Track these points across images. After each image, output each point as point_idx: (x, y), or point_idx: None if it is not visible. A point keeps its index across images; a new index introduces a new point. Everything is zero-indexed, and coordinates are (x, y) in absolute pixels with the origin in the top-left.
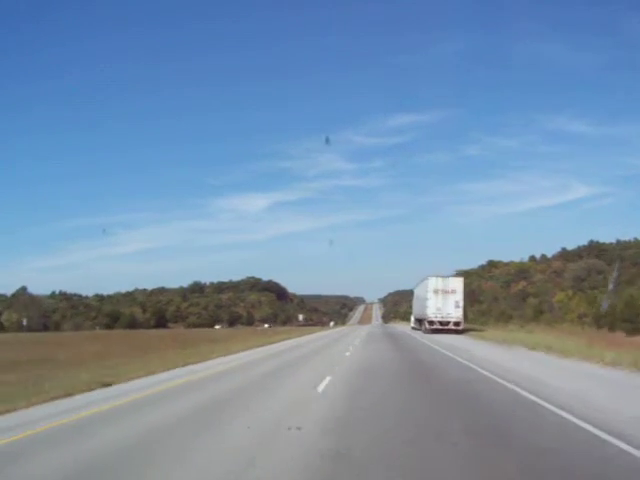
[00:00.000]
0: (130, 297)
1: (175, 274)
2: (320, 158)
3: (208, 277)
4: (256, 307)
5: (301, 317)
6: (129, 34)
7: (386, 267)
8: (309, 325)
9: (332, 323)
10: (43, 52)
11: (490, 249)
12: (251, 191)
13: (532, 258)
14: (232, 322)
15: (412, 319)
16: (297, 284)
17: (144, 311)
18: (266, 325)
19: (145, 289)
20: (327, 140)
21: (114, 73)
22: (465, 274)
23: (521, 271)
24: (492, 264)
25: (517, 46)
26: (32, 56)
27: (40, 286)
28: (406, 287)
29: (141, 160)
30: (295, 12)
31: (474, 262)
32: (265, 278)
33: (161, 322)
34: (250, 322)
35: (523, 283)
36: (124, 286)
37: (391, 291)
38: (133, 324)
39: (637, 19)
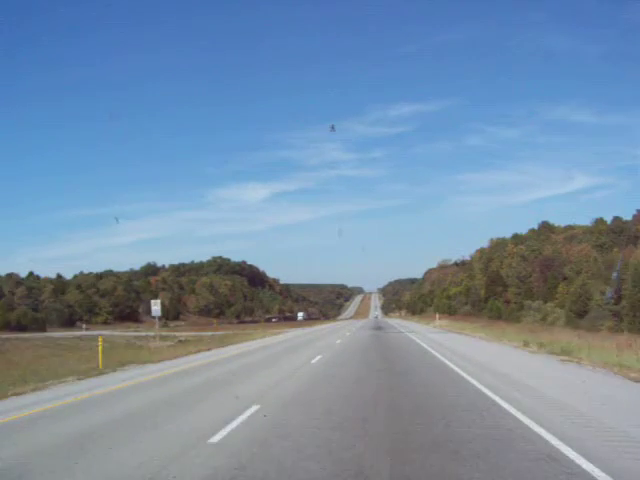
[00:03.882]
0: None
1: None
2: (321, 148)
3: None
4: (200, 293)
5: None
6: (130, 27)
7: (386, 257)
8: (276, 321)
9: (301, 315)
10: (46, 46)
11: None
12: (251, 181)
13: (600, 221)
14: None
15: None
16: (293, 273)
17: None
18: None
19: (91, 272)
20: (332, 127)
21: (117, 65)
22: (520, 238)
23: (613, 231)
24: (548, 227)
25: (518, 36)
26: (35, 49)
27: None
28: (406, 276)
29: (142, 150)
30: (297, 5)
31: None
32: (236, 259)
33: None
34: (172, 316)
35: None
36: None
37: (391, 280)
38: None
39: (638, 9)
